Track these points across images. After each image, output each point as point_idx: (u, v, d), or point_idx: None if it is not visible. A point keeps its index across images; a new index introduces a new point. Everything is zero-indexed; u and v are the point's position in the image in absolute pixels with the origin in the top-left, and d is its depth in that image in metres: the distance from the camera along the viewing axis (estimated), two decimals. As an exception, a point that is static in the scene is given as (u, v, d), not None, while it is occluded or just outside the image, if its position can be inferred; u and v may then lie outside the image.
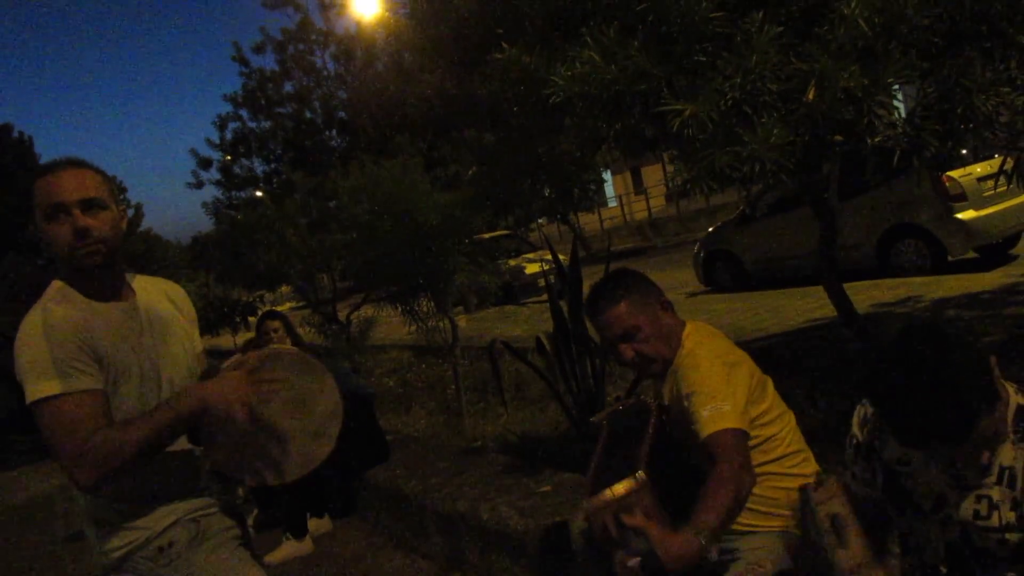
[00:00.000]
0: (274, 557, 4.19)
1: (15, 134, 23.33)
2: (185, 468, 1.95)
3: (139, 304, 1.93)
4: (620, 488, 1.87)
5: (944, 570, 1.62)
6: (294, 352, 2.07)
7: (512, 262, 15.09)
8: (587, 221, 29.04)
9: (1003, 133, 2.31)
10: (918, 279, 8.19)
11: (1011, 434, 1.49)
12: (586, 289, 4.82)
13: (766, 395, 2.25)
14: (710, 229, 11.86)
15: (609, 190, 36.06)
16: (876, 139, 2.26)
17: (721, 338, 2.32)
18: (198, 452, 1.97)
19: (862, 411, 1.78)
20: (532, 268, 14.95)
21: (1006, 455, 1.49)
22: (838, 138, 2.22)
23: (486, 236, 14.46)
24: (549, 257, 5.96)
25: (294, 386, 1.96)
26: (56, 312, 1.77)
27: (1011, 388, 1.54)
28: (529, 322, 10.96)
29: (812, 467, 2.24)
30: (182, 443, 1.91)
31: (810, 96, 2.09)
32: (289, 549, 4.28)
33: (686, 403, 2.10)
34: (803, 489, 1.49)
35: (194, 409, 1.77)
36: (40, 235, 1.80)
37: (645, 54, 2.39)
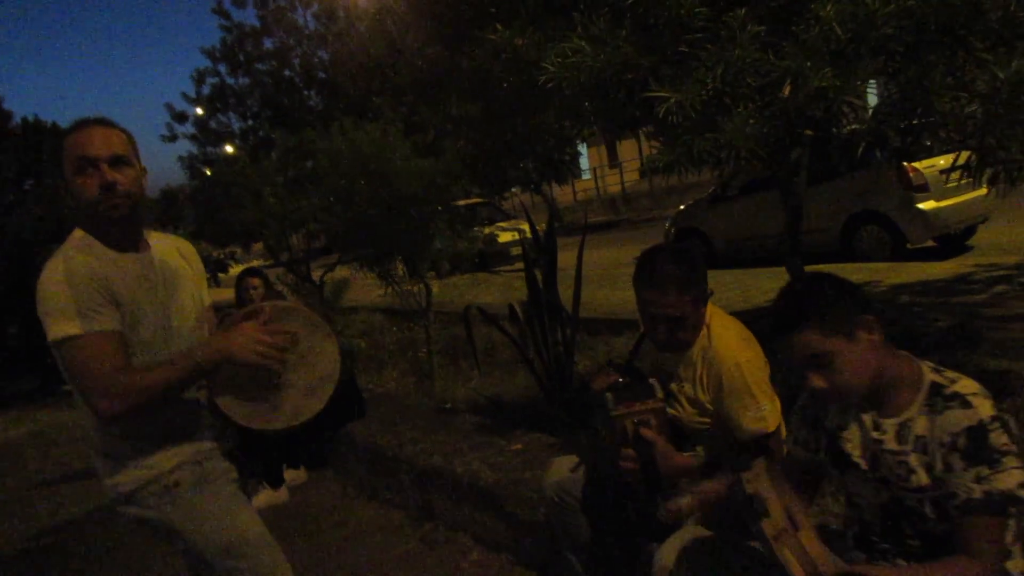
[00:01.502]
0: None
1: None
2: (192, 413, 2.09)
3: (154, 257, 2.07)
4: (641, 405, 2.16)
5: (879, 525, 1.84)
6: (306, 311, 2.18)
7: (486, 230, 15.19)
8: (560, 193, 29.16)
9: (956, 134, 2.50)
10: (879, 264, 8.49)
11: (924, 407, 1.70)
12: (559, 260, 5.01)
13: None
14: (681, 207, 12.08)
15: (584, 163, 36.17)
16: (845, 130, 2.43)
17: (736, 323, 2.43)
18: (203, 399, 2.10)
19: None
20: (505, 237, 15.07)
21: (920, 425, 1.70)
22: (808, 132, 2.40)
23: (461, 203, 14.54)
24: (523, 226, 6.10)
25: (302, 342, 2.07)
26: (78, 259, 1.90)
27: (927, 367, 1.75)
28: (501, 290, 11.13)
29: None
30: (191, 389, 2.04)
31: (786, 92, 2.27)
32: (265, 498, 4.45)
33: (723, 396, 2.24)
34: (735, 471, 1.70)
35: (217, 360, 1.92)
36: (68, 187, 1.93)
37: (632, 43, 2.54)
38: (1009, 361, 4.15)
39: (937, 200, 8.48)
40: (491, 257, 14.80)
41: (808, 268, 8.29)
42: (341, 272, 9.17)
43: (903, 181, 8.47)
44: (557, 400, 4.59)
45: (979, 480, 1.58)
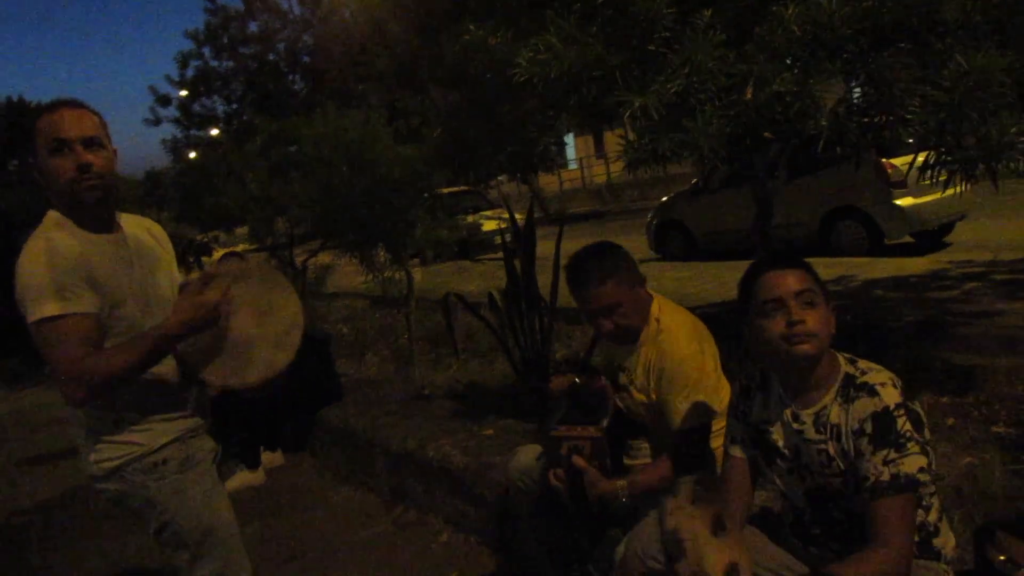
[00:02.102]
0: (228, 485, 4.40)
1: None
2: (177, 390, 2.12)
3: (128, 237, 2.10)
4: (581, 431, 2.22)
5: (809, 511, 1.94)
6: (261, 267, 2.26)
7: (470, 219, 15.24)
8: (546, 182, 29.20)
9: (918, 129, 2.57)
10: (855, 259, 8.61)
11: (839, 397, 1.80)
12: (541, 250, 5.08)
13: (718, 365, 2.48)
14: (663, 199, 12.18)
15: (571, 152, 36.16)
16: (808, 129, 2.51)
17: (686, 314, 2.53)
18: (186, 371, 2.12)
19: (736, 384, 2.08)
20: (489, 225, 15.13)
21: (834, 414, 1.80)
22: (767, 135, 2.48)
23: (445, 191, 14.56)
24: (507, 215, 6.16)
25: (260, 297, 2.13)
26: (58, 240, 1.92)
27: (843, 360, 1.84)
28: (483, 278, 11.18)
29: None
30: (173, 368, 2.09)
31: (748, 95, 2.35)
32: (243, 478, 4.53)
33: (664, 382, 2.33)
34: (662, 500, 1.77)
35: (174, 334, 1.95)
36: (42, 168, 1.95)
37: (602, 41, 2.62)
38: (974, 356, 4.26)
39: (915, 196, 8.58)
40: (475, 246, 14.86)
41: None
42: (324, 258, 9.21)
43: (881, 177, 8.57)
44: (531, 388, 4.67)
45: (887, 463, 1.68)
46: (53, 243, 1.91)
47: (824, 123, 2.44)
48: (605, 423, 2.33)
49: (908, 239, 9.27)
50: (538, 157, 4.97)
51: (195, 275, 2.35)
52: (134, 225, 2.18)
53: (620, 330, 2.41)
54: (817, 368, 1.81)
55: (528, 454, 2.72)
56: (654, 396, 2.41)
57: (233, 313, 2.06)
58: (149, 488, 2.03)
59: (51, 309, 1.85)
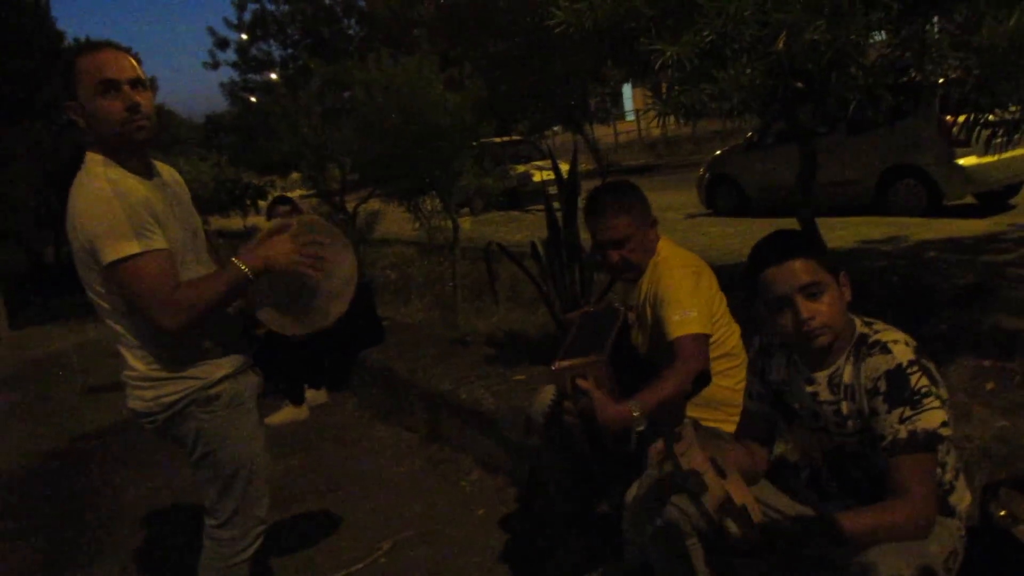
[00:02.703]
0: (273, 420, 4.63)
1: (31, -2, 22.97)
2: (231, 327, 2.20)
3: (164, 184, 2.14)
4: (581, 359, 2.26)
5: (827, 469, 1.97)
6: (324, 222, 2.34)
7: (520, 168, 15.20)
8: (602, 134, 28.84)
9: (956, 90, 2.53)
10: (911, 219, 8.39)
11: (851, 357, 1.82)
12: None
13: (721, 305, 2.56)
14: (716, 153, 11.98)
15: (628, 104, 35.57)
16: (840, 82, 2.48)
17: (688, 252, 2.59)
18: (234, 312, 2.21)
19: (756, 341, 2.10)
20: (541, 176, 15.09)
21: (847, 374, 1.81)
22: (799, 84, 2.46)
23: (498, 140, 14.55)
24: (562, 166, 6.11)
25: (325, 250, 2.19)
26: (120, 180, 1.93)
27: (859, 321, 1.85)
28: (532, 228, 11.21)
29: (743, 374, 2.56)
30: (235, 307, 2.17)
31: (780, 45, 2.33)
32: (287, 414, 4.73)
33: (658, 305, 2.39)
34: (667, 442, 1.77)
35: (260, 268, 1.99)
36: (87, 109, 1.94)
37: (639, -9, 2.60)
38: (1023, 321, 4.18)
39: (979, 156, 8.26)
40: (526, 196, 14.85)
41: (839, 220, 8.27)
42: (374, 204, 9.35)
43: (943, 134, 8.27)
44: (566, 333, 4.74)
45: (903, 420, 1.68)
46: (118, 184, 1.91)
47: (858, 73, 2.39)
48: (607, 345, 2.37)
49: (970, 200, 8.98)
50: (584, 109, 4.94)
51: (263, 222, 2.42)
52: (164, 169, 2.22)
53: (626, 265, 2.52)
54: (836, 338, 1.82)
55: (549, 393, 2.80)
56: (650, 320, 2.46)
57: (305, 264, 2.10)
58: (201, 420, 2.10)
59: (132, 247, 1.87)
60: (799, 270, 1.76)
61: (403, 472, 3.90)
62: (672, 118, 2.71)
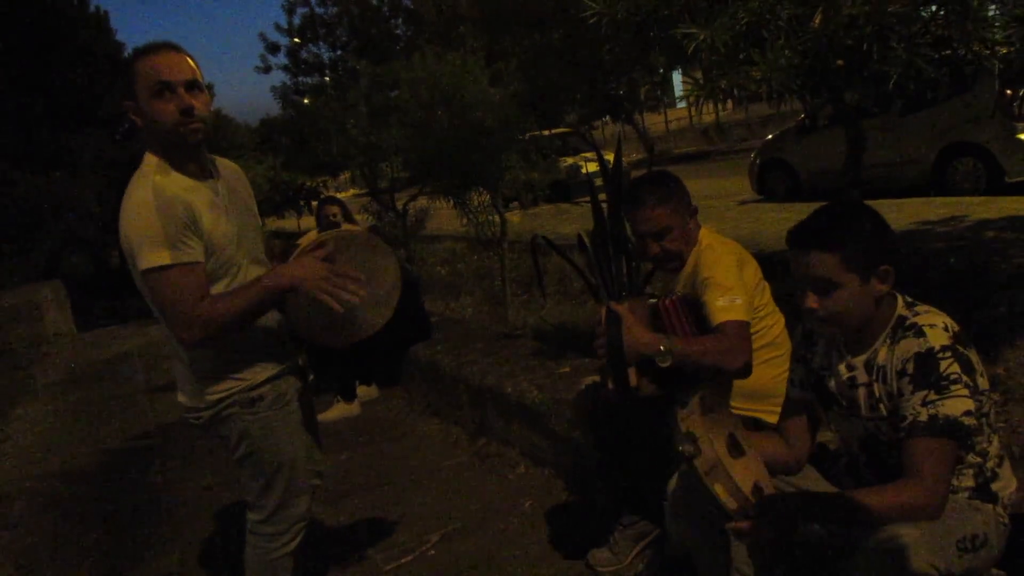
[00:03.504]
0: (326, 416, 4.72)
1: (92, 8, 23.75)
2: (274, 331, 2.23)
3: (222, 183, 2.15)
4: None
5: (863, 457, 1.94)
6: (363, 234, 2.37)
7: (569, 160, 15.16)
8: (653, 122, 28.56)
9: (1002, 63, 2.45)
10: (971, 198, 8.12)
11: (887, 339, 1.77)
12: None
13: (765, 295, 2.53)
14: (768, 137, 11.77)
15: (678, 90, 35.07)
16: (881, 58, 2.42)
17: (731, 241, 2.56)
18: (281, 319, 2.24)
19: (800, 327, 2.07)
20: (590, 167, 15.01)
21: (881, 356, 1.77)
22: (839, 63, 2.40)
23: (547, 133, 14.52)
24: (609, 157, 6.07)
25: (364, 263, 2.22)
26: (165, 188, 1.94)
27: (901, 303, 1.80)
28: (581, 220, 11.16)
29: (787, 364, 2.53)
30: (275, 316, 2.19)
31: (816, 22, 2.28)
32: (340, 410, 4.82)
33: (701, 288, 2.36)
34: (674, 411, 1.78)
35: (284, 288, 2.01)
36: (143, 111, 1.96)
37: (671, -23, 2.58)
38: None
39: (1042, 130, 7.98)
40: (575, 188, 14.80)
41: (895, 202, 8.03)
42: (423, 201, 9.43)
43: (1004, 110, 7.99)
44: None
45: (925, 404, 1.65)
46: (161, 190, 1.93)
47: (900, 47, 2.32)
48: (648, 299, 2.38)
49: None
50: (633, 98, 4.91)
51: (312, 234, 2.46)
52: (227, 170, 2.23)
53: (667, 255, 2.50)
54: (870, 323, 1.79)
55: (590, 383, 2.80)
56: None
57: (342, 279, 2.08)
58: (245, 420, 2.14)
59: (163, 258, 1.89)
60: (812, 263, 1.73)
61: (451, 466, 3.94)
62: (711, 104, 2.66)
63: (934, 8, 2.38)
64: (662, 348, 2.13)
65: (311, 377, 5.49)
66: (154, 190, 1.93)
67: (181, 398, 2.21)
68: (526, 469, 3.67)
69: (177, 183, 1.99)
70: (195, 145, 2.02)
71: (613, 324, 2.16)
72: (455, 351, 4.74)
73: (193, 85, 1.97)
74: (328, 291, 2.01)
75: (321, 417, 4.72)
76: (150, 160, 2.01)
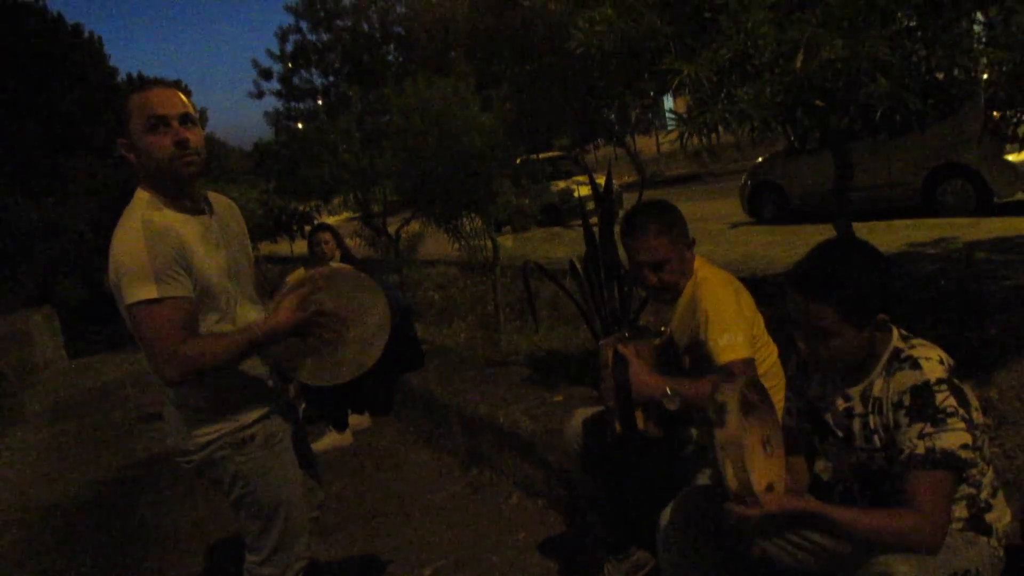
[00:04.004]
0: (317, 446, 4.69)
1: (85, 34, 23.90)
2: (263, 371, 2.21)
3: (215, 218, 2.14)
4: (626, 342, 2.34)
5: (856, 486, 1.94)
6: (350, 271, 2.33)
7: (562, 184, 15.21)
8: (645, 145, 28.70)
9: (986, 93, 2.48)
10: (960, 220, 8.19)
11: (883, 371, 1.78)
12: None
13: (759, 325, 2.54)
14: (758, 160, 11.84)
15: (670, 107, 35.21)
16: (862, 97, 2.44)
17: (725, 272, 2.56)
18: (269, 359, 2.22)
19: (794, 358, 2.07)
20: (583, 191, 15.07)
21: (877, 388, 1.78)
22: (819, 103, 2.42)
23: (540, 157, 14.58)
24: (600, 180, 6.07)
25: (351, 300, 2.20)
26: (156, 221, 1.93)
27: (896, 335, 1.81)
28: (574, 244, 11.18)
29: (781, 394, 2.53)
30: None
31: (798, 63, 2.30)
32: (331, 439, 4.79)
33: (701, 326, 2.36)
34: (715, 382, 1.80)
35: (270, 335, 2.00)
36: (138, 145, 1.97)
37: (658, 11, 2.60)
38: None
39: (1029, 151, 8.05)
40: (568, 211, 14.85)
41: (886, 223, 8.08)
42: (415, 226, 9.42)
43: (991, 132, 8.04)
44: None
45: (922, 436, 1.65)
46: (151, 224, 1.92)
47: (884, 84, 2.35)
48: (656, 342, 2.40)
49: (1021, 197, 8.72)
50: (623, 121, 4.94)
51: (299, 271, 2.46)
52: (220, 204, 2.23)
53: (663, 286, 2.48)
54: (864, 358, 1.81)
55: (585, 416, 2.79)
56: (688, 341, 2.45)
57: (325, 320, 2.11)
58: (236, 462, 2.11)
59: (149, 292, 1.86)
60: (810, 311, 1.75)
61: (444, 497, 3.91)
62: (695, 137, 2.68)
63: (917, 44, 2.40)
64: (669, 392, 2.15)
65: (303, 406, 5.48)
66: (143, 223, 1.92)
67: (169, 440, 2.18)
68: (519, 500, 3.64)
69: (168, 217, 1.98)
70: (189, 178, 2.01)
71: (620, 367, 2.19)
72: (447, 379, 4.72)
73: (187, 119, 1.98)
74: (312, 333, 2.04)
75: (312, 447, 4.70)
76: (141, 195, 2.00)
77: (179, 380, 1.93)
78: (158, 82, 2.05)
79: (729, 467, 1.65)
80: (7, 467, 5.90)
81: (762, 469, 1.72)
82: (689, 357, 2.51)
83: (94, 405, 7.56)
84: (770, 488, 1.72)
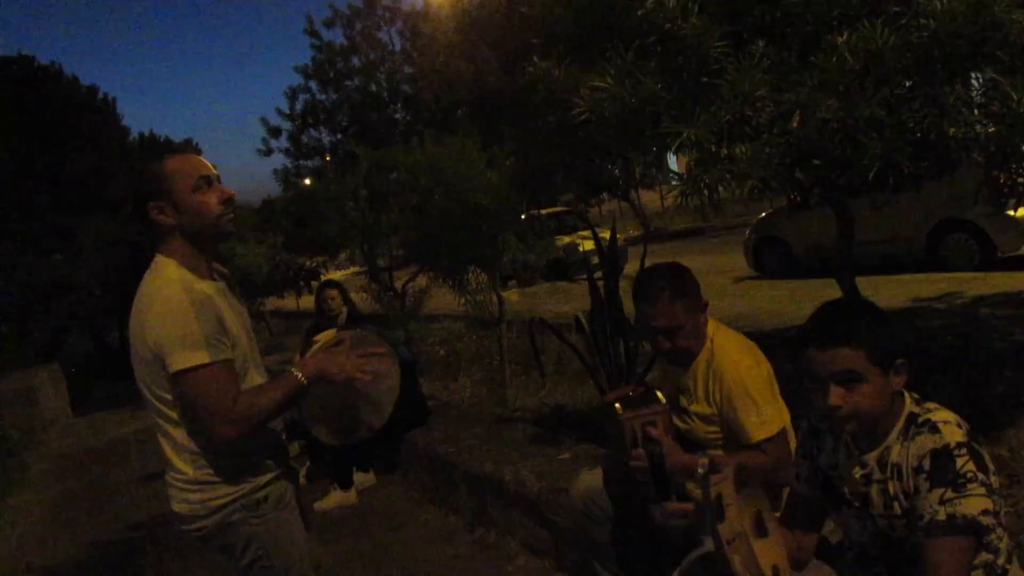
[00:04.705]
0: (322, 505, 4.66)
1: (100, 95, 24.43)
2: (275, 433, 2.23)
3: (224, 284, 2.19)
4: (647, 409, 2.36)
5: (874, 551, 1.91)
6: (375, 337, 2.48)
7: (567, 239, 15.29)
8: (649, 199, 28.92)
9: (979, 155, 2.53)
10: (964, 274, 8.20)
11: (900, 436, 1.77)
12: (632, 269, 5.13)
13: (775, 386, 2.51)
14: (762, 214, 11.92)
15: (673, 166, 35.61)
16: (858, 158, 2.49)
17: (739, 335, 2.56)
18: (289, 415, 2.28)
19: (805, 423, 2.07)
20: (588, 245, 15.13)
21: (895, 453, 1.77)
22: (816, 161, 2.47)
23: (544, 212, 14.69)
24: (605, 235, 6.10)
25: (372, 362, 2.28)
26: (196, 290, 1.99)
27: (910, 399, 1.81)
28: (579, 299, 11.20)
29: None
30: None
31: (796, 124, 2.35)
32: (336, 498, 4.75)
33: (727, 401, 2.37)
34: (704, 474, 1.78)
35: (316, 377, 2.10)
36: (184, 206, 2.02)
37: (657, 77, 2.67)
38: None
39: (1033, 207, 8.08)
40: (573, 265, 14.89)
41: (891, 278, 8.10)
42: (421, 281, 9.47)
43: (990, 188, 8.12)
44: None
45: (943, 502, 1.63)
46: (193, 293, 1.97)
47: (876, 145, 2.39)
48: (664, 401, 2.41)
49: (1026, 252, 8.76)
50: (627, 176, 5.00)
51: (329, 332, 2.61)
52: (219, 271, 2.26)
53: (678, 351, 2.47)
54: (881, 420, 1.79)
55: (590, 478, 2.77)
56: (716, 416, 2.44)
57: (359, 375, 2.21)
58: (251, 525, 2.10)
59: (201, 358, 1.91)
60: (837, 358, 1.72)
61: (449, 556, 3.86)
62: (682, 195, 2.73)
63: (913, 105, 2.45)
64: (701, 472, 2.14)
65: (307, 464, 5.45)
66: (186, 290, 1.97)
67: (177, 507, 2.12)
68: (526, 560, 3.60)
69: (203, 286, 2.03)
70: (228, 236, 2.11)
71: (654, 448, 2.21)
72: (453, 436, 4.70)
73: (220, 179, 2.10)
74: (357, 366, 2.15)
75: (317, 506, 4.68)
76: (167, 263, 2.04)
77: (236, 438, 1.97)
78: (189, 148, 2.17)
79: (738, 561, 1.63)
80: (9, 528, 5.85)
81: (762, 554, 1.70)
82: (711, 428, 2.49)
83: (98, 464, 7.51)
84: (775, 570, 1.70)
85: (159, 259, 2.06)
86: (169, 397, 2.00)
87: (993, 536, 1.72)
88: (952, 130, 2.34)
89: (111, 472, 7.02)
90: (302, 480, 5.17)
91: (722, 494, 1.69)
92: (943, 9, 2.19)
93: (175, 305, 1.94)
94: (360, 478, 5.00)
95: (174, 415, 2.03)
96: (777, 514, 2.04)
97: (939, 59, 2.29)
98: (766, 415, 2.31)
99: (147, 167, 2.10)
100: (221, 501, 2.07)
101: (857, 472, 1.84)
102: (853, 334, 1.73)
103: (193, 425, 2.01)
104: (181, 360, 1.91)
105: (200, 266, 2.08)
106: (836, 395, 1.73)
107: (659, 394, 2.51)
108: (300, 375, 2.07)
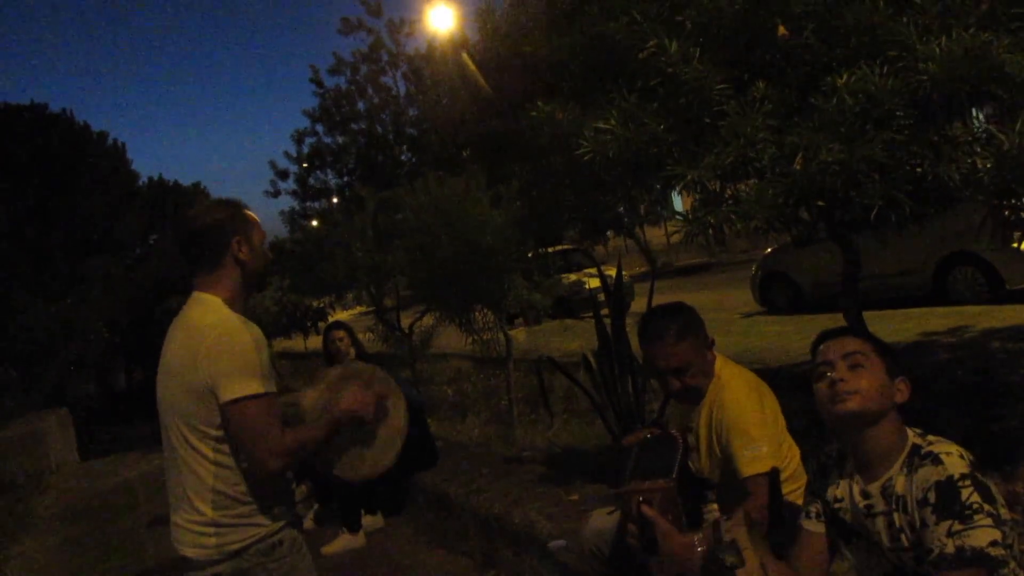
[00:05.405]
0: (330, 548, 4.61)
1: (110, 141, 24.81)
2: (284, 475, 2.24)
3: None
4: (649, 484, 2.25)
5: (887, 583, 1.89)
6: (386, 375, 2.55)
7: (573, 276, 15.33)
8: (654, 235, 29.02)
9: (980, 193, 2.55)
10: (974, 308, 8.17)
11: (903, 467, 1.77)
12: (639, 306, 5.12)
13: (780, 423, 2.51)
14: (768, 250, 11.95)
15: (678, 204, 35.82)
16: (859, 197, 2.52)
17: (747, 371, 2.56)
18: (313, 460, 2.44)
19: (813, 461, 2.07)
20: (594, 283, 15.15)
21: (899, 485, 1.76)
22: (820, 203, 2.49)
23: (550, 250, 14.74)
24: (611, 272, 6.14)
25: (383, 400, 2.42)
26: (252, 325, 2.11)
27: (912, 433, 1.81)
28: (586, 336, 11.19)
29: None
30: None
31: (798, 165, 2.38)
32: (344, 541, 4.71)
33: (726, 434, 2.36)
34: (715, 521, 1.78)
35: (349, 416, 2.28)
36: (259, 251, 2.21)
37: (660, 119, 2.71)
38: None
39: (1040, 239, 8.08)
40: (579, 303, 14.90)
41: (899, 312, 8.09)
42: (428, 320, 9.47)
43: (994, 221, 8.13)
44: (620, 449, 4.66)
45: (951, 534, 1.62)
46: (252, 329, 2.09)
47: (877, 185, 2.42)
48: (674, 475, 2.34)
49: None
50: (633, 214, 5.06)
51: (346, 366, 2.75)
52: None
53: (687, 390, 2.47)
54: (882, 441, 1.80)
55: (601, 518, 2.75)
56: (718, 450, 2.43)
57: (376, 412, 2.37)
58: (268, 569, 2.10)
59: (256, 388, 2.00)
60: (850, 342, 1.84)
61: (459, 601, 3.82)
62: (687, 236, 2.75)
63: (910, 149, 2.48)
64: (699, 549, 2.12)
65: (315, 507, 5.41)
66: (246, 326, 2.08)
67: (190, 552, 2.09)
68: (536, 604, 3.55)
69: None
70: (263, 285, 2.23)
71: (646, 528, 2.17)
72: (461, 478, 4.68)
73: None
74: (369, 420, 2.32)
75: (325, 550, 4.63)
76: (212, 299, 2.13)
77: (282, 470, 2.06)
78: (192, 194, 2.27)
79: None
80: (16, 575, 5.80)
81: None
82: (707, 460, 2.50)
83: (105, 509, 7.46)
84: None
85: (203, 296, 2.13)
86: (213, 431, 2.03)
87: (1006, 571, 1.70)
88: (953, 167, 2.36)
89: (119, 518, 6.97)
90: (309, 523, 5.14)
91: (736, 539, 1.68)
92: (942, 54, 2.23)
93: (237, 338, 2.03)
94: (368, 521, 4.95)
95: (209, 451, 2.04)
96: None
97: (939, 102, 2.32)
98: (760, 451, 2.28)
99: (233, 206, 2.24)
100: (238, 546, 2.06)
101: (861, 501, 1.85)
102: (863, 332, 1.90)
103: (228, 460, 2.05)
104: (239, 389, 1.98)
105: (240, 306, 2.18)
106: (842, 369, 1.81)
107: (675, 434, 2.49)
108: (336, 413, 2.23)
